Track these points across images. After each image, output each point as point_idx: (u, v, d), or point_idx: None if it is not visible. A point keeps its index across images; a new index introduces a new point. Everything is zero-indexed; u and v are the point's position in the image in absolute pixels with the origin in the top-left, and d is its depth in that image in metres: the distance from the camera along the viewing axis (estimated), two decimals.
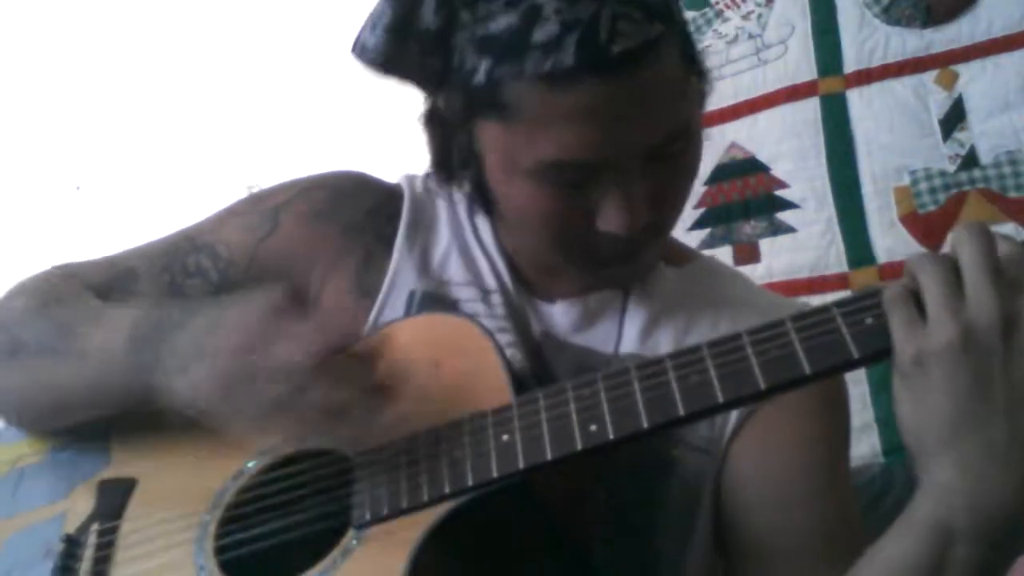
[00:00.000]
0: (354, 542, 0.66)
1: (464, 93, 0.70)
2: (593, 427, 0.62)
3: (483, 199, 0.79)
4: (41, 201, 2.57)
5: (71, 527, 0.76)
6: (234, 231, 0.86)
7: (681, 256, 0.89)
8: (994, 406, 0.53)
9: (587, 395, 0.63)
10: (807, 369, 0.58)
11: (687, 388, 0.60)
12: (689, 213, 2.11)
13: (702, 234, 2.09)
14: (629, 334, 0.81)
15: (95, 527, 0.76)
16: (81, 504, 0.78)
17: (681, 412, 0.60)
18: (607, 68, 0.64)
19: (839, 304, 0.59)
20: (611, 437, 0.61)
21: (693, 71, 0.74)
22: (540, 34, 0.64)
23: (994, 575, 0.56)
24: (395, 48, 0.71)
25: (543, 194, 0.71)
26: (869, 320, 0.58)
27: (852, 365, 0.59)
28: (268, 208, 0.87)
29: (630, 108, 0.66)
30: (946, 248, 0.58)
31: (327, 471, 0.71)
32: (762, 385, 0.59)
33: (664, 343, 0.80)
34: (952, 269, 0.55)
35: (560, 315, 0.82)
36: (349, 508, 0.68)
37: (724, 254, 2.04)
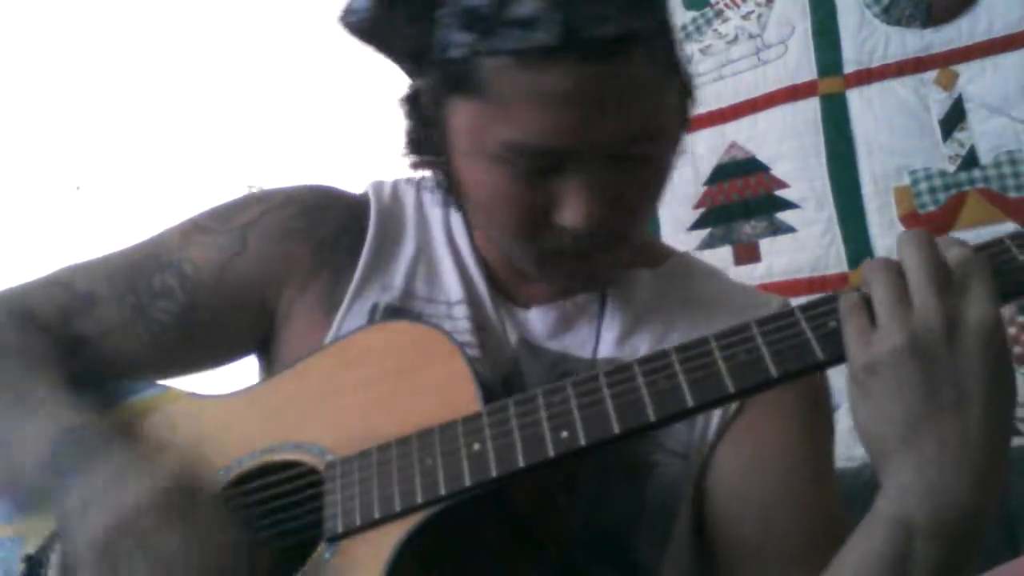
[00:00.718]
0: (327, 555, 0.65)
1: (441, 68, 0.69)
2: (564, 434, 0.62)
3: (451, 187, 0.78)
4: (41, 201, 2.57)
5: (31, 547, 0.75)
6: (201, 249, 0.84)
7: (658, 256, 0.88)
8: (944, 406, 0.55)
9: (557, 402, 0.63)
10: (774, 372, 0.59)
11: (657, 393, 0.61)
12: (689, 213, 2.11)
13: (702, 234, 2.09)
14: (607, 338, 0.80)
15: (59, 546, 0.74)
16: (40, 524, 0.76)
17: (652, 417, 0.60)
18: (584, 51, 0.63)
19: (803, 308, 0.61)
20: (582, 443, 0.61)
21: (674, 79, 0.72)
22: (520, 10, 0.63)
23: (958, 570, 0.57)
24: (381, 12, 0.70)
25: (505, 179, 0.69)
26: (832, 323, 0.59)
27: (818, 367, 0.60)
28: (236, 226, 0.85)
29: (601, 97, 0.65)
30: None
31: (296, 484, 0.70)
32: (731, 389, 0.60)
33: (643, 346, 0.80)
34: (900, 275, 0.57)
35: (536, 321, 0.81)
36: (321, 521, 0.67)
37: (724, 254, 2.04)
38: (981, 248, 0.59)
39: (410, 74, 0.76)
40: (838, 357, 0.59)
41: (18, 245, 2.47)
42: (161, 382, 0.82)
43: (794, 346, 0.60)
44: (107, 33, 2.55)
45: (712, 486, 0.77)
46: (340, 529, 0.66)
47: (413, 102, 0.76)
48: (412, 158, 0.79)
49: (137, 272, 0.83)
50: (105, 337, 0.82)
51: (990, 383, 0.55)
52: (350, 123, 2.29)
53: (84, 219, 2.52)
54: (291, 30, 2.46)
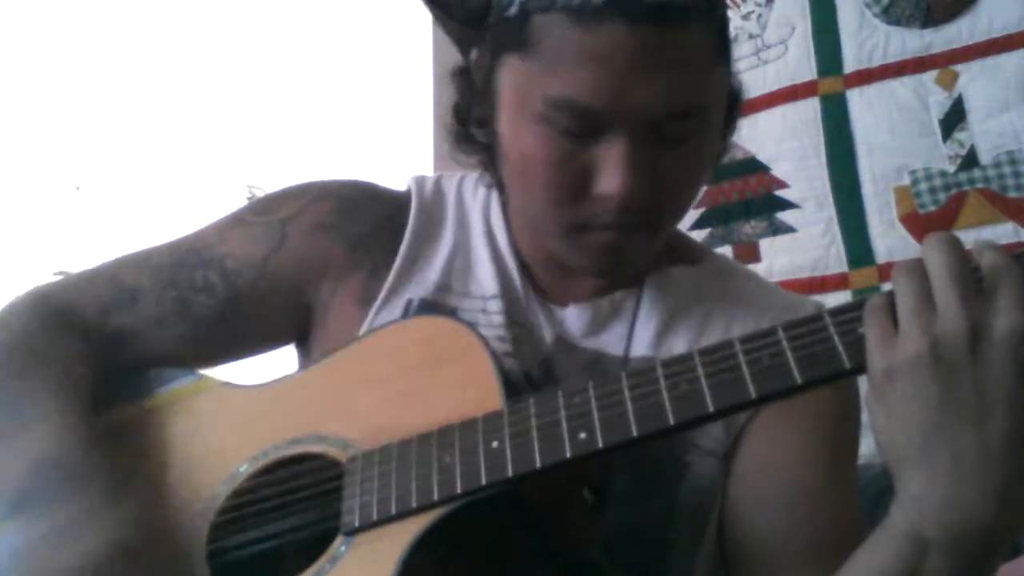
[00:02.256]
0: (343, 548, 0.66)
1: (496, 28, 0.71)
2: (583, 435, 0.61)
3: (492, 162, 0.78)
4: (41, 201, 2.57)
5: None
6: (241, 243, 0.85)
7: (695, 255, 0.88)
8: (963, 417, 0.53)
9: (578, 403, 0.63)
10: (798, 379, 0.58)
11: (677, 397, 0.60)
12: (689, 213, 2.10)
13: (702, 234, 2.09)
14: (642, 336, 0.80)
15: None
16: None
17: (671, 422, 0.60)
18: (635, 15, 0.63)
19: (832, 312, 0.59)
20: (600, 446, 0.61)
21: (724, 64, 0.73)
22: None
23: None
24: None
25: (547, 140, 0.69)
26: (861, 329, 0.57)
27: (845, 374, 0.58)
28: (275, 220, 0.86)
29: (649, 63, 0.65)
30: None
31: (317, 477, 0.71)
32: (753, 394, 0.58)
33: (678, 345, 0.79)
34: (926, 279, 0.55)
35: (572, 319, 0.81)
36: (339, 514, 0.67)
37: (724, 254, 2.04)
38: (1020, 255, 0.56)
39: (464, 45, 0.77)
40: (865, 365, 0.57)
41: (18, 245, 2.47)
42: (197, 371, 0.83)
43: (821, 352, 0.58)
44: (107, 33, 2.55)
45: (732, 480, 0.76)
46: (357, 523, 0.66)
47: (464, 74, 0.78)
48: (456, 133, 0.80)
49: (179, 267, 0.84)
50: (147, 331, 0.83)
51: (1014, 393, 0.52)
52: (350, 124, 2.29)
53: (84, 219, 2.52)
54: (291, 31, 2.46)
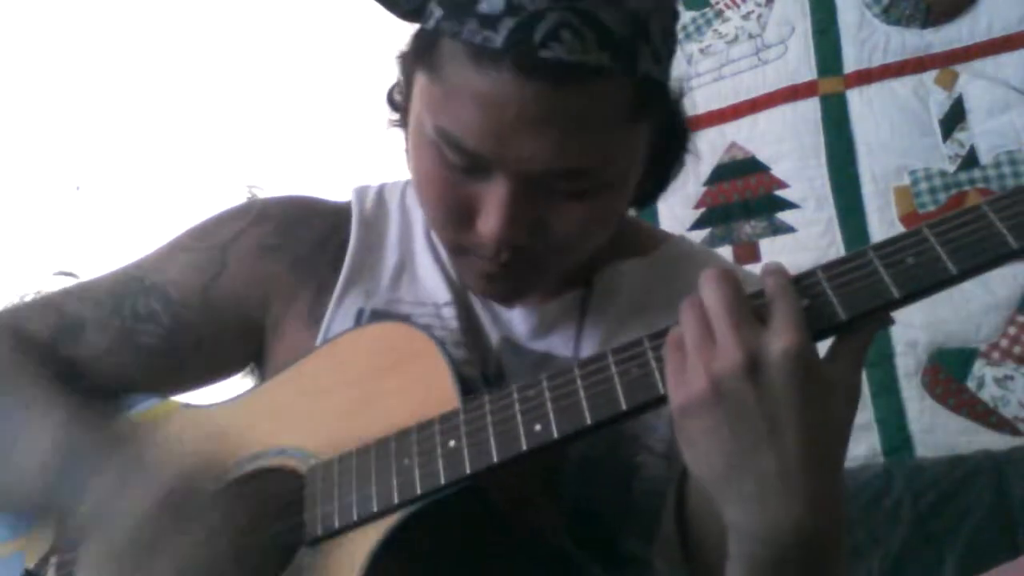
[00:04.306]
0: (306, 559, 0.66)
1: (418, 36, 0.69)
2: (538, 427, 0.61)
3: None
4: (41, 201, 2.57)
5: (30, 562, 0.76)
6: (182, 270, 0.84)
7: (649, 243, 0.85)
8: (758, 442, 0.54)
9: (532, 396, 0.63)
10: None
11: (629, 382, 0.60)
12: (689, 213, 2.11)
13: (702, 234, 2.09)
14: (590, 336, 0.79)
15: (54, 560, 0.75)
16: (41, 540, 0.77)
17: (623, 407, 0.60)
18: (527, 67, 0.60)
19: (754, 296, 0.59)
20: (555, 436, 0.61)
21: (639, 121, 0.68)
22: (485, 6, 0.61)
23: None
24: None
25: (435, 165, 0.68)
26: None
27: None
28: (215, 245, 0.85)
29: (540, 118, 0.62)
30: None
31: (280, 489, 0.70)
32: None
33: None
34: (705, 314, 0.57)
35: (519, 321, 0.80)
36: (302, 524, 0.67)
37: (724, 254, 2.03)
38: (799, 278, 0.58)
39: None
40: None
41: (18, 245, 2.47)
42: (155, 396, 0.83)
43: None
44: (107, 33, 2.55)
45: (688, 483, 0.76)
46: (319, 532, 0.66)
47: (402, 61, 0.76)
48: (391, 116, 0.79)
49: (122, 296, 0.83)
50: (94, 361, 0.82)
51: (802, 410, 0.53)
52: (349, 125, 2.29)
53: (84, 219, 2.53)
54: (291, 31, 2.46)
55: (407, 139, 0.75)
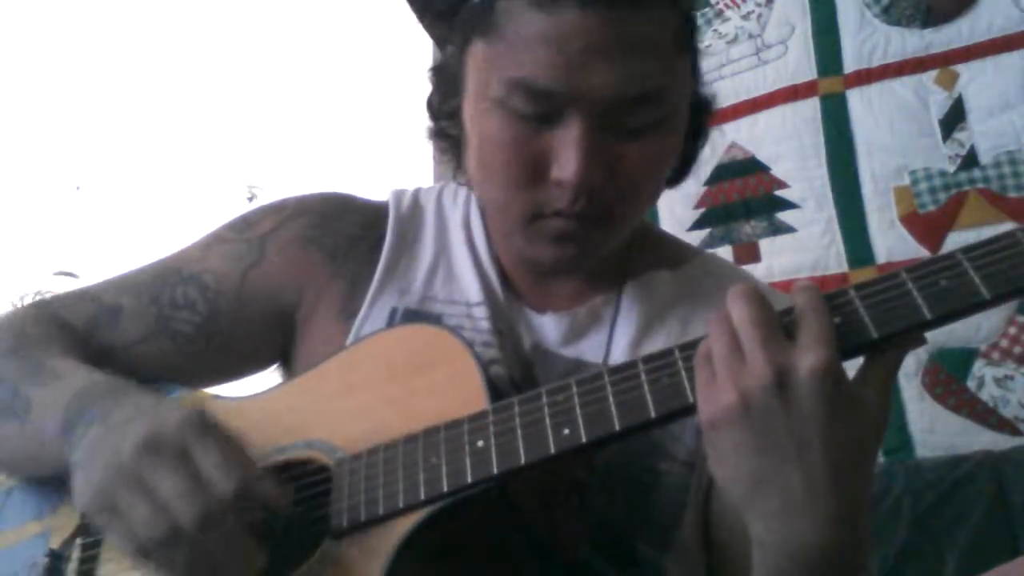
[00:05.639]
0: (331, 550, 0.66)
1: (465, 16, 0.72)
2: (566, 431, 0.62)
3: (461, 154, 0.79)
4: (41, 201, 2.58)
5: (55, 543, 0.77)
6: (220, 260, 0.86)
7: (679, 257, 0.87)
8: (785, 459, 0.54)
9: (561, 400, 0.64)
10: None
11: (659, 390, 0.61)
12: (689, 213, 2.11)
13: (702, 234, 2.09)
14: (619, 343, 0.80)
15: (79, 541, 0.76)
16: (66, 521, 0.78)
17: (652, 414, 0.60)
18: (588, 0, 0.65)
19: (784, 313, 0.59)
20: (583, 440, 0.61)
21: (686, 59, 0.73)
22: None
23: None
24: None
25: (506, 123, 0.70)
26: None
27: None
28: (254, 236, 0.87)
29: (600, 47, 0.66)
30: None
31: (306, 481, 0.71)
32: None
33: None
34: (733, 330, 0.57)
35: (550, 326, 0.81)
36: (327, 516, 0.68)
37: (724, 254, 2.04)
38: (831, 295, 0.58)
39: (441, 42, 0.79)
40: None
41: (18, 245, 2.47)
42: (185, 387, 0.84)
43: None
44: (107, 33, 2.55)
45: (716, 492, 0.76)
46: (345, 525, 0.66)
47: (439, 71, 0.79)
48: (429, 129, 0.81)
49: (160, 285, 0.85)
50: (130, 348, 0.84)
51: (829, 427, 0.54)
52: (350, 126, 2.29)
53: (84, 219, 2.53)
54: (292, 32, 2.46)
55: (468, 120, 0.76)
